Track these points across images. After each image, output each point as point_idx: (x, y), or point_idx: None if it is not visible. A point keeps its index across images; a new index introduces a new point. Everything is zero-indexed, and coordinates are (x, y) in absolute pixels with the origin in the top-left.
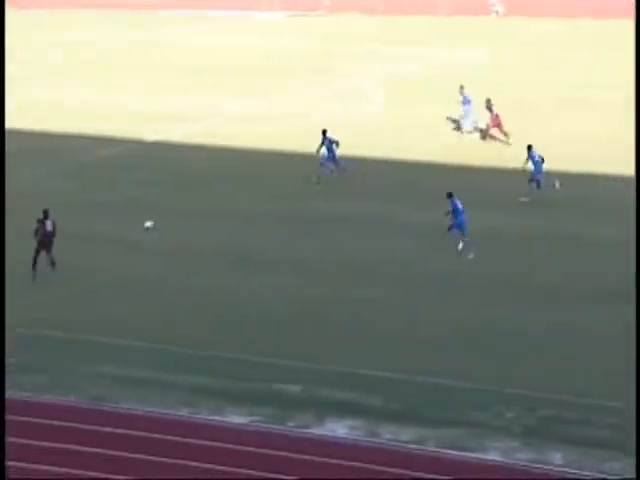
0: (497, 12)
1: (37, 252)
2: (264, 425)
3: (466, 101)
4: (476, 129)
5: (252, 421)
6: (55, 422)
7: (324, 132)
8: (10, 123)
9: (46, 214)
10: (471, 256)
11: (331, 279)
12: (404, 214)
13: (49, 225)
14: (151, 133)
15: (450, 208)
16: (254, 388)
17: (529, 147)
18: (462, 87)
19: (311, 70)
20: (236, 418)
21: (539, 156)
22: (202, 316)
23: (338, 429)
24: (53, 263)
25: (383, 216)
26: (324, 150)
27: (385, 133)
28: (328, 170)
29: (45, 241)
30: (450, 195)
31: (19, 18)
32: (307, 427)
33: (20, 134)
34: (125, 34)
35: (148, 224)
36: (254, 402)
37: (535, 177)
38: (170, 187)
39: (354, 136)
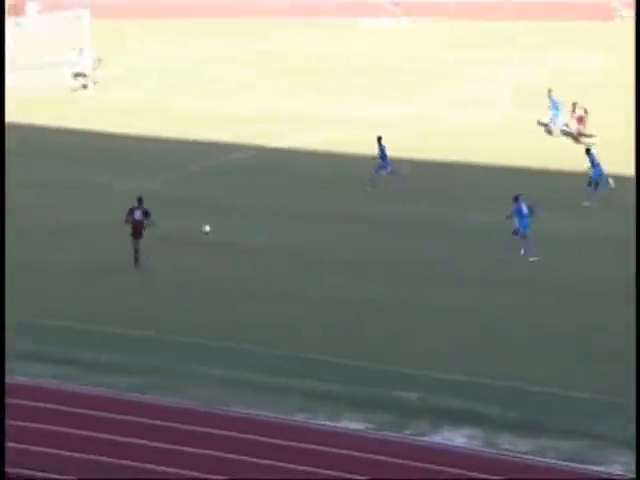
0: (621, 16)
1: (132, 238)
2: (380, 432)
3: (554, 105)
4: (565, 132)
5: (368, 427)
6: (169, 424)
7: (379, 139)
8: (141, 128)
9: (140, 202)
10: (532, 259)
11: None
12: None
13: (138, 214)
14: (277, 137)
15: (512, 210)
16: (370, 394)
17: (587, 150)
18: (550, 91)
19: (436, 75)
20: (352, 424)
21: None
22: (316, 319)
23: (455, 438)
24: (136, 251)
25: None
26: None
27: (500, 138)
28: (381, 176)
29: (136, 228)
30: (516, 198)
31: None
32: (423, 435)
33: (150, 140)
34: (242, 40)
35: (207, 228)
36: (370, 408)
37: (593, 180)
38: (294, 190)
39: (475, 141)
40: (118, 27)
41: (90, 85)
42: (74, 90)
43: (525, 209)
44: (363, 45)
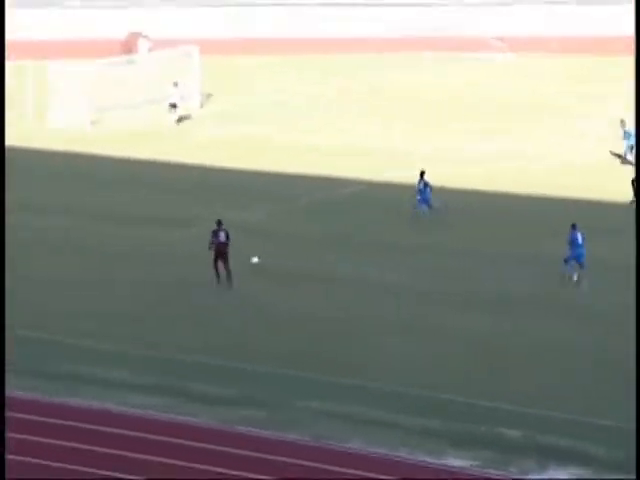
0: None
1: (215, 261)
2: (484, 470)
3: (626, 135)
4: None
5: (472, 465)
6: (278, 458)
7: (422, 174)
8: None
9: (219, 225)
10: (586, 287)
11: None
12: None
13: (222, 236)
14: (384, 171)
15: (568, 239)
16: (474, 431)
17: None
18: (623, 121)
19: (541, 110)
20: (456, 461)
21: None
22: (420, 354)
23: (561, 477)
24: (229, 273)
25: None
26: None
27: (602, 174)
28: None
29: (220, 250)
30: (573, 226)
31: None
32: (528, 473)
33: (259, 173)
34: (350, 75)
35: (255, 260)
36: (474, 445)
37: None
38: (400, 225)
39: (581, 177)
40: (227, 62)
41: (184, 116)
42: (173, 122)
43: (580, 238)
44: (467, 80)
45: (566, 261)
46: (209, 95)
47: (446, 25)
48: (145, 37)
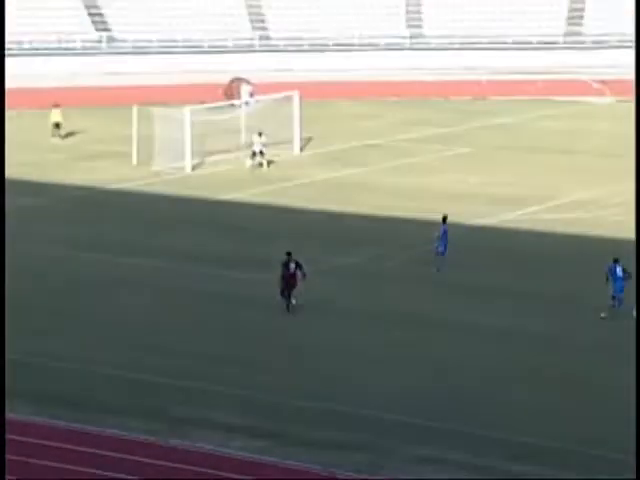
0: None
1: (282, 291)
2: None
3: None
4: None
5: None
6: None
7: (444, 219)
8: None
9: (289, 256)
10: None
11: None
12: None
13: (292, 268)
14: (497, 215)
15: (606, 272)
16: None
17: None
18: None
19: None
20: None
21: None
22: (539, 404)
23: None
24: (289, 301)
25: None
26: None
27: None
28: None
29: (289, 282)
30: (615, 261)
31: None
32: None
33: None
34: (459, 118)
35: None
36: None
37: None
38: (527, 270)
39: None
40: (328, 106)
41: (269, 161)
42: (253, 168)
43: (620, 272)
44: (569, 124)
45: (613, 297)
46: (309, 139)
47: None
48: (247, 82)
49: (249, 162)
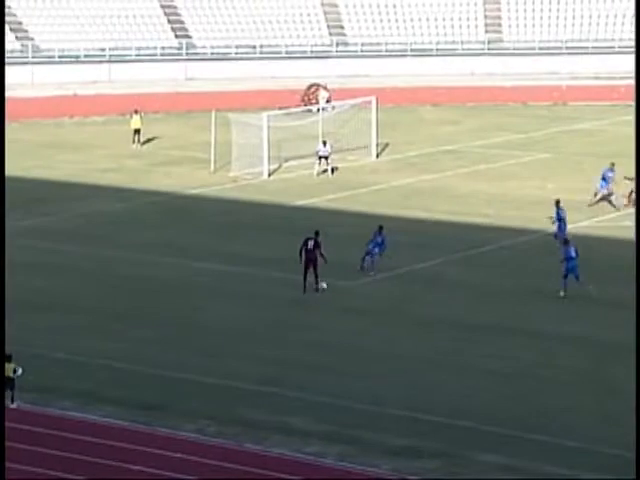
0: None
1: (305, 270)
2: None
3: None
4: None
5: None
6: None
7: (566, 241)
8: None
9: (316, 235)
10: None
11: None
12: None
13: (310, 244)
14: (575, 222)
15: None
16: None
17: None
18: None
19: None
20: None
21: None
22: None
23: None
24: (317, 277)
25: None
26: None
27: None
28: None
29: (309, 257)
30: (566, 242)
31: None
32: None
33: (432, 223)
34: (541, 124)
35: (324, 285)
36: None
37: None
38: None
39: None
40: (405, 111)
41: (334, 169)
42: (318, 175)
43: (573, 252)
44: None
45: (565, 276)
46: (386, 144)
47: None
48: (324, 88)
49: (316, 169)
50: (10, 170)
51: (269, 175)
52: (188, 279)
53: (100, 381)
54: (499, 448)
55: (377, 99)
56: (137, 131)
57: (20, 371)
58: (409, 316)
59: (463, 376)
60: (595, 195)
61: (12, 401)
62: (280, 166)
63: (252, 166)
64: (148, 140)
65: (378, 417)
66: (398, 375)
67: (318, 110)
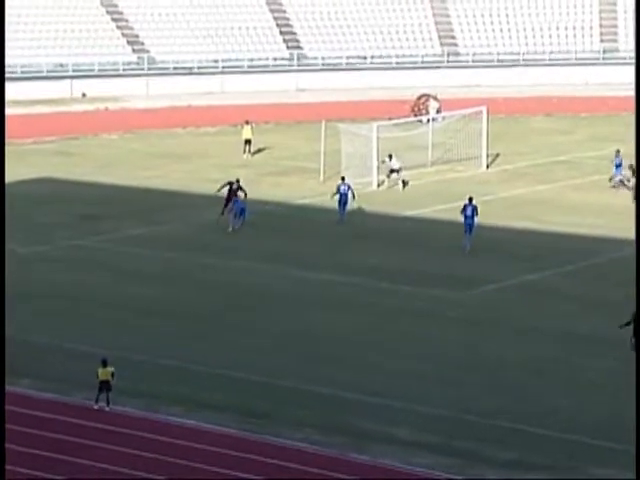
0: None
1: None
2: None
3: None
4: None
5: None
6: None
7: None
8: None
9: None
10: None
11: None
12: None
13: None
14: None
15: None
16: None
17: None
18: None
19: None
20: None
21: None
22: None
23: None
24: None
25: None
26: None
27: None
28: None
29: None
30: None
31: None
32: None
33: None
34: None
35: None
36: None
37: None
38: None
39: None
40: (516, 122)
41: (400, 182)
42: (388, 187)
43: (470, 211)
44: None
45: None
46: (497, 155)
47: None
48: (434, 98)
49: (386, 182)
50: (124, 180)
51: (378, 186)
52: (298, 288)
53: (209, 388)
54: (610, 462)
55: (488, 109)
56: (248, 141)
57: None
58: (519, 327)
59: (572, 388)
60: (610, 180)
61: (108, 404)
62: (390, 177)
63: (361, 176)
64: (259, 150)
65: (488, 429)
66: (506, 386)
67: (428, 120)
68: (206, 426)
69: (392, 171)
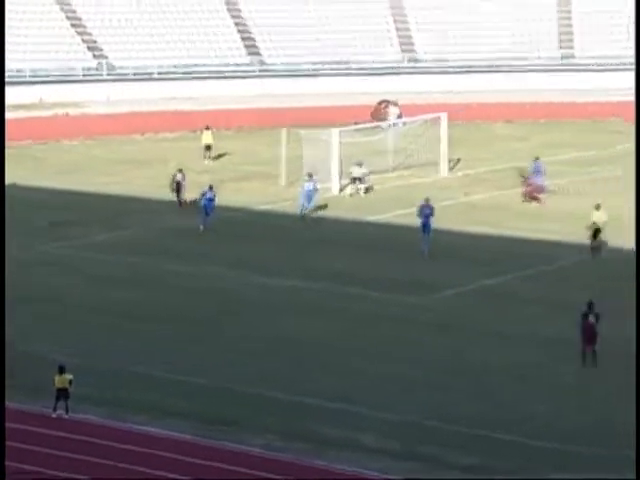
0: None
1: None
2: None
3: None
4: None
5: None
6: None
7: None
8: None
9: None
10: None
11: None
12: None
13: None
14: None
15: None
16: None
17: None
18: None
19: None
20: None
21: None
22: None
23: None
24: (594, 354)
25: None
26: None
27: None
28: None
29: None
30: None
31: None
32: None
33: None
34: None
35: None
36: None
37: None
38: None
39: None
40: (477, 127)
41: (361, 191)
42: (351, 195)
43: (427, 211)
44: None
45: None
46: (457, 160)
47: None
48: (395, 104)
49: (349, 189)
50: (86, 185)
51: (340, 191)
52: (265, 294)
53: (174, 395)
54: (574, 467)
55: (448, 115)
56: (208, 147)
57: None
58: (482, 330)
59: (539, 392)
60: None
61: (67, 412)
62: (347, 182)
63: (322, 182)
64: (219, 156)
65: (452, 435)
66: (471, 391)
67: (389, 126)
68: (168, 433)
69: (354, 179)
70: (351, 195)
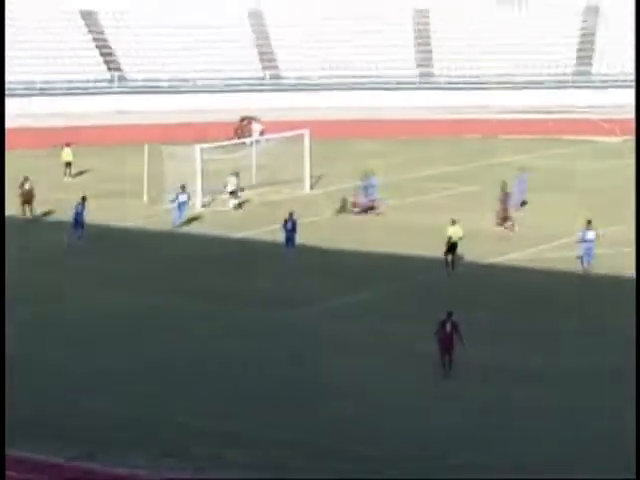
0: None
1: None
2: None
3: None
4: None
5: None
6: None
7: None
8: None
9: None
10: None
11: None
12: None
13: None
14: (504, 254)
15: None
16: None
17: None
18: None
19: None
20: None
21: None
22: None
23: None
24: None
25: None
26: None
27: None
28: None
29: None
30: None
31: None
32: None
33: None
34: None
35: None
36: None
37: None
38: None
39: None
40: (340, 144)
41: (243, 202)
42: (231, 208)
43: (290, 225)
44: (578, 163)
45: None
46: (320, 177)
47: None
48: (257, 120)
49: (232, 202)
50: None
51: (203, 206)
52: (126, 310)
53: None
54: None
55: (310, 132)
56: (68, 164)
57: None
58: (350, 345)
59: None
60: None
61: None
62: (214, 199)
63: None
64: (80, 173)
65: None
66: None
67: (251, 143)
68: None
69: (231, 193)
70: (235, 209)
